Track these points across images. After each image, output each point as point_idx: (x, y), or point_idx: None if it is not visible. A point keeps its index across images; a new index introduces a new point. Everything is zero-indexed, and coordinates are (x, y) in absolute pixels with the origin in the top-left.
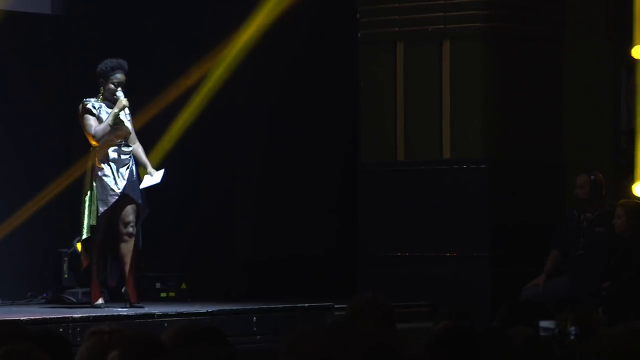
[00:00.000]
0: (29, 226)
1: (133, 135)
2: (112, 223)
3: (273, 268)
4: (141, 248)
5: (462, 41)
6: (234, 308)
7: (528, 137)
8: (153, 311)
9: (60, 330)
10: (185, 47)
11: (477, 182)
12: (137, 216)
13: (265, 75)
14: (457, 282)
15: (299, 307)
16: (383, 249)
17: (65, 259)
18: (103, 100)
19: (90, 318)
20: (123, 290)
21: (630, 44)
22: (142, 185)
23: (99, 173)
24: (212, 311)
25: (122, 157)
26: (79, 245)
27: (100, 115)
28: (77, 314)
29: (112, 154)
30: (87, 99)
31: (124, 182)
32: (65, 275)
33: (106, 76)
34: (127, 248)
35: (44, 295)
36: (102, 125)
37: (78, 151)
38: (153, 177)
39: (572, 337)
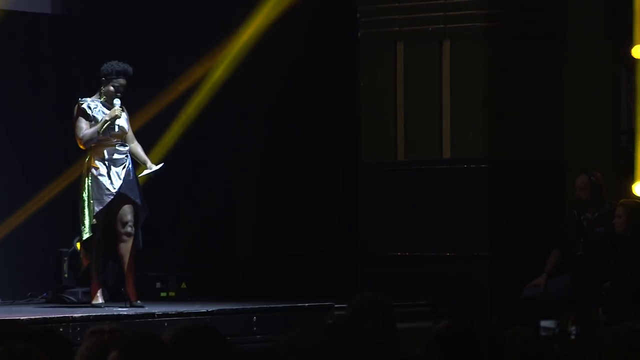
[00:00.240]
0: (29, 226)
1: (131, 135)
2: (109, 223)
3: (273, 268)
4: (141, 248)
5: (462, 41)
6: (234, 308)
7: (528, 137)
8: (153, 311)
9: (61, 329)
10: (185, 47)
11: (477, 181)
12: (137, 217)
13: (265, 75)
14: (457, 282)
15: (299, 307)
16: (383, 249)
17: (65, 258)
18: (100, 99)
19: (91, 318)
20: (122, 289)
21: (630, 44)
22: (142, 174)
23: (95, 172)
24: (212, 311)
25: (118, 156)
26: (78, 245)
27: (95, 115)
28: (77, 313)
29: (108, 153)
30: (83, 99)
31: (120, 182)
32: (65, 275)
33: (109, 78)
34: (126, 248)
35: (44, 294)
36: (91, 131)
37: (78, 151)
38: (153, 169)
39: (572, 337)
